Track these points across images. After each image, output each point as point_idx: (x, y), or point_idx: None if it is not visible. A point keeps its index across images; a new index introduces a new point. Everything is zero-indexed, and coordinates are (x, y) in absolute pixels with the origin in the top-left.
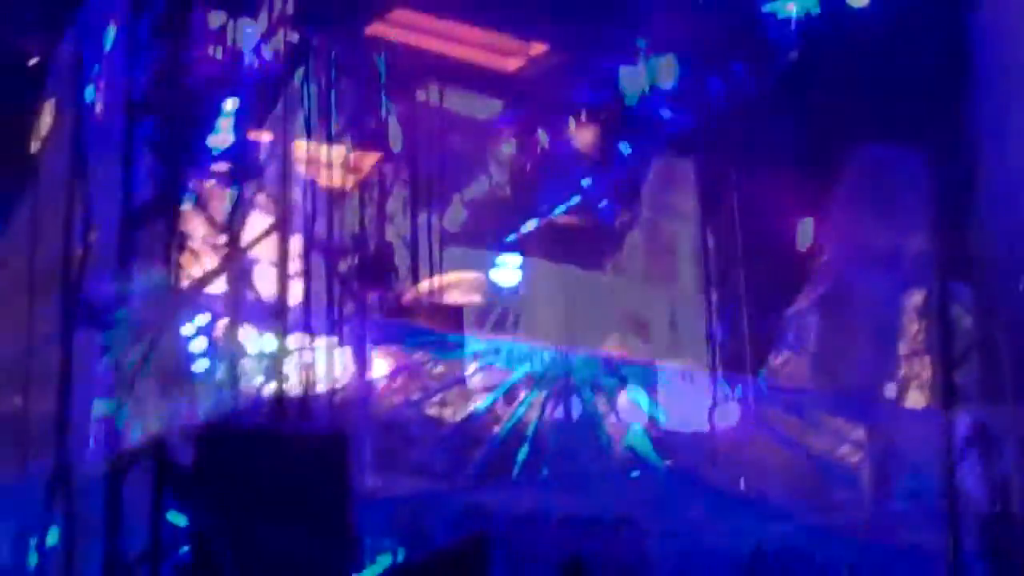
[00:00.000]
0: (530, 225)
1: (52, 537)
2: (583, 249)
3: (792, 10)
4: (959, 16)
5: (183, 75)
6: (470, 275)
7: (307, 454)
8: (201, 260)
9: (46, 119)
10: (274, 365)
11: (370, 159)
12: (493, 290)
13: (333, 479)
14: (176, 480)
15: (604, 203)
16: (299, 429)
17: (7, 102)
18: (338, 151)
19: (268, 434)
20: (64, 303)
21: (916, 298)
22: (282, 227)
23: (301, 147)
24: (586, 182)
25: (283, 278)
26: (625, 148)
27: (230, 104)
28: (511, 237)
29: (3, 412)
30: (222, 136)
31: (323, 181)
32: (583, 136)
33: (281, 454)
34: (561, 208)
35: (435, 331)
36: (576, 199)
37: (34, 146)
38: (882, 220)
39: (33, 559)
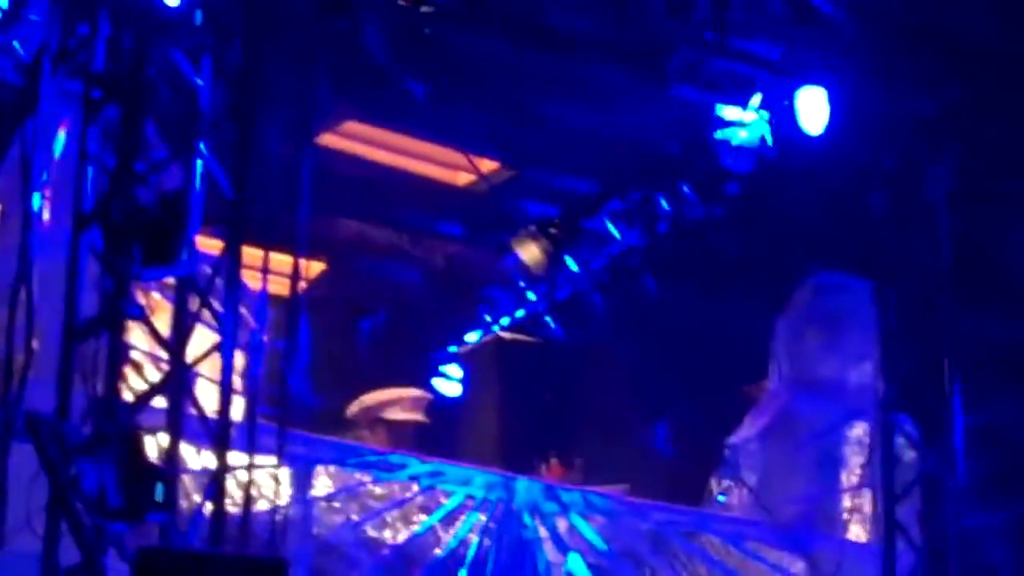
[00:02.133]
0: (473, 336)
1: None
2: (526, 367)
3: (744, 136)
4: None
5: (133, 187)
6: (412, 392)
7: None
8: (144, 374)
9: None
10: (214, 484)
11: (318, 267)
12: (436, 405)
13: None
14: None
15: (549, 319)
16: (237, 553)
17: None
18: (286, 259)
19: (206, 559)
20: (2, 414)
21: (859, 430)
22: (226, 344)
23: (251, 255)
24: (531, 296)
25: (226, 395)
26: (572, 264)
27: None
28: (454, 348)
29: None
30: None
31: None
32: (529, 250)
33: None
34: (506, 321)
35: (377, 451)
36: (521, 313)
37: None
38: (827, 349)
39: None
